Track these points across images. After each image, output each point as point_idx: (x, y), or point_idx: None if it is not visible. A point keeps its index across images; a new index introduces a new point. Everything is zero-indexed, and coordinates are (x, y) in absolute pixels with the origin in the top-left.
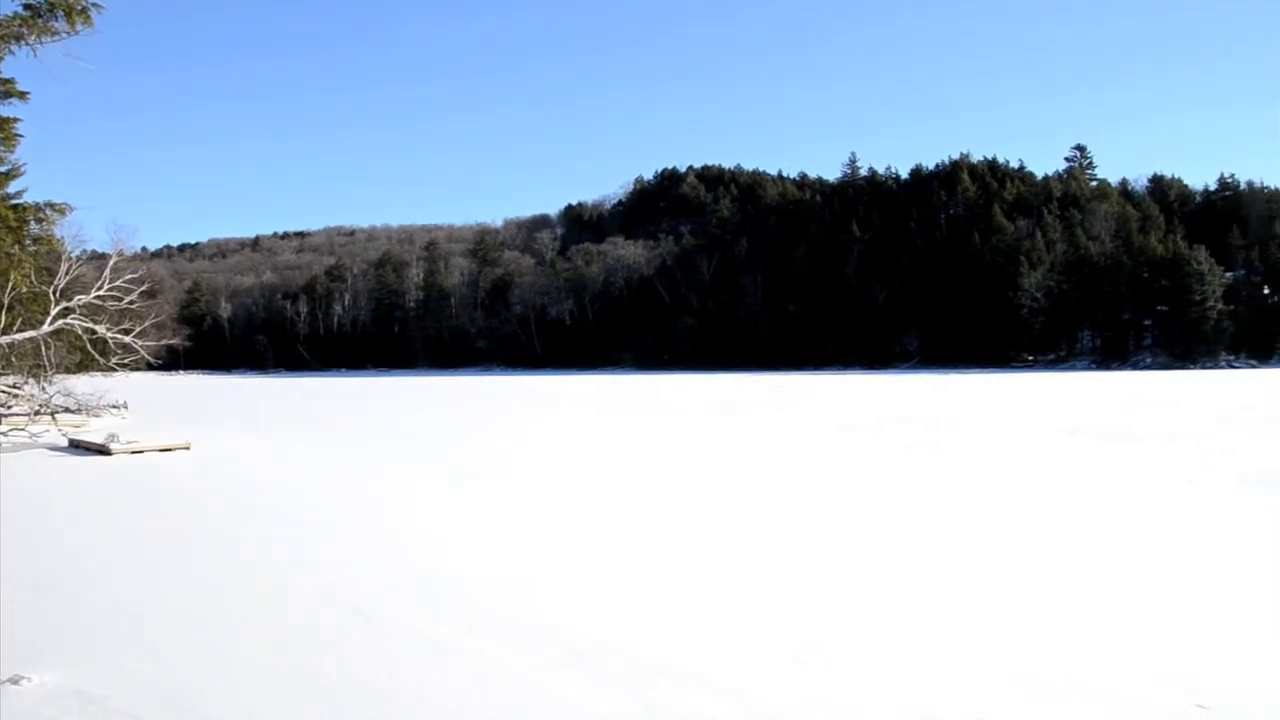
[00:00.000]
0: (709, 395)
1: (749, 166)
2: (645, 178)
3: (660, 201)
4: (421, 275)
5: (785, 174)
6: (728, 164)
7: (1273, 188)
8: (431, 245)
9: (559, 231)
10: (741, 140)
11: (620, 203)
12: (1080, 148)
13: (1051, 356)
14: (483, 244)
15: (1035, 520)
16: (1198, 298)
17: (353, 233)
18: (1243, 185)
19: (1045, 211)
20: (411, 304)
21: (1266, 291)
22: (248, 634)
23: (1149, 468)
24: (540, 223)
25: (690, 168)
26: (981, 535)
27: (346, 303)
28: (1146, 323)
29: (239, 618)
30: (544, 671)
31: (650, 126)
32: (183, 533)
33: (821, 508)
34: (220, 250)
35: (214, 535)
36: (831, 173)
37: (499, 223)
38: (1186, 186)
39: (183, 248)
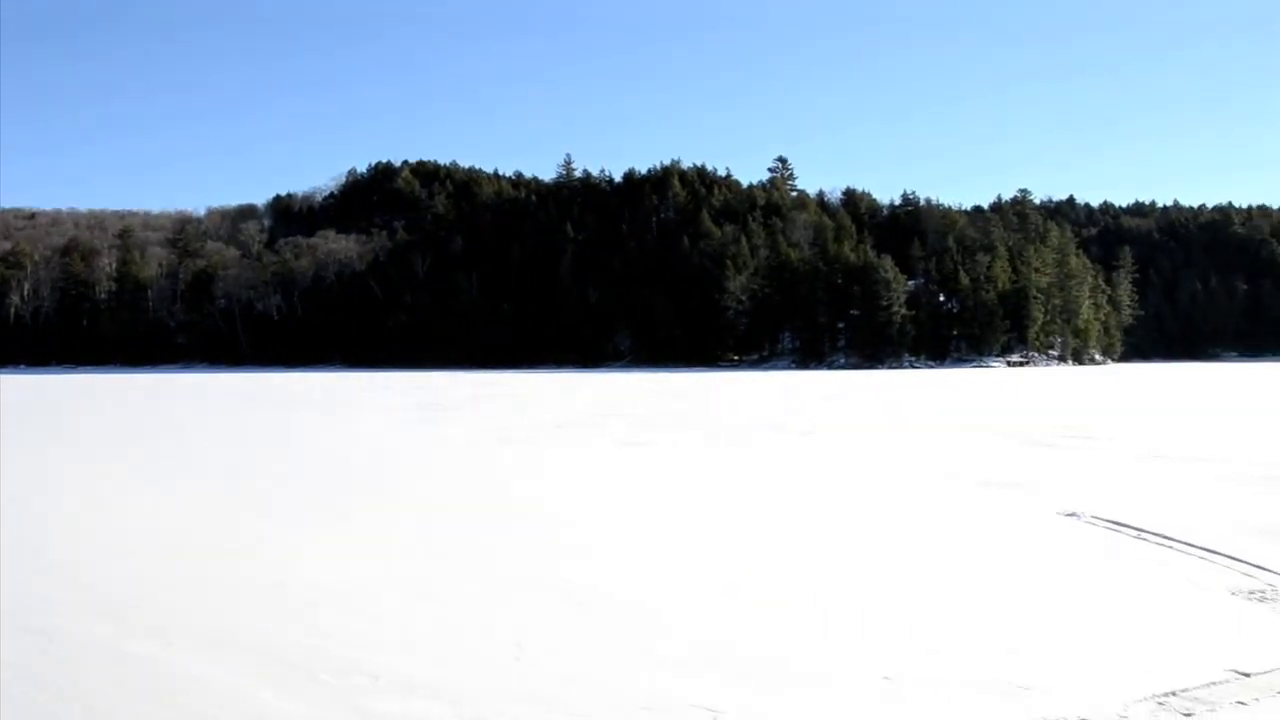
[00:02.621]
0: (420, 394)
1: (465, 164)
2: (359, 170)
3: (374, 196)
4: (114, 265)
5: (501, 173)
6: (443, 160)
7: (946, 205)
8: (125, 233)
9: (266, 223)
10: (458, 137)
11: (332, 195)
12: (782, 159)
13: (755, 356)
14: (183, 233)
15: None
16: (885, 303)
17: (33, 216)
18: (922, 202)
19: (750, 218)
20: (103, 296)
21: (942, 299)
22: None
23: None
24: (246, 213)
25: (405, 162)
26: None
27: (26, 292)
28: (840, 325)
29: None
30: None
31: (365, 118)
32: None
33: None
34: None
35: None
36: (547, 173)
37: (201, 211)
38: (875, 200)
39: None
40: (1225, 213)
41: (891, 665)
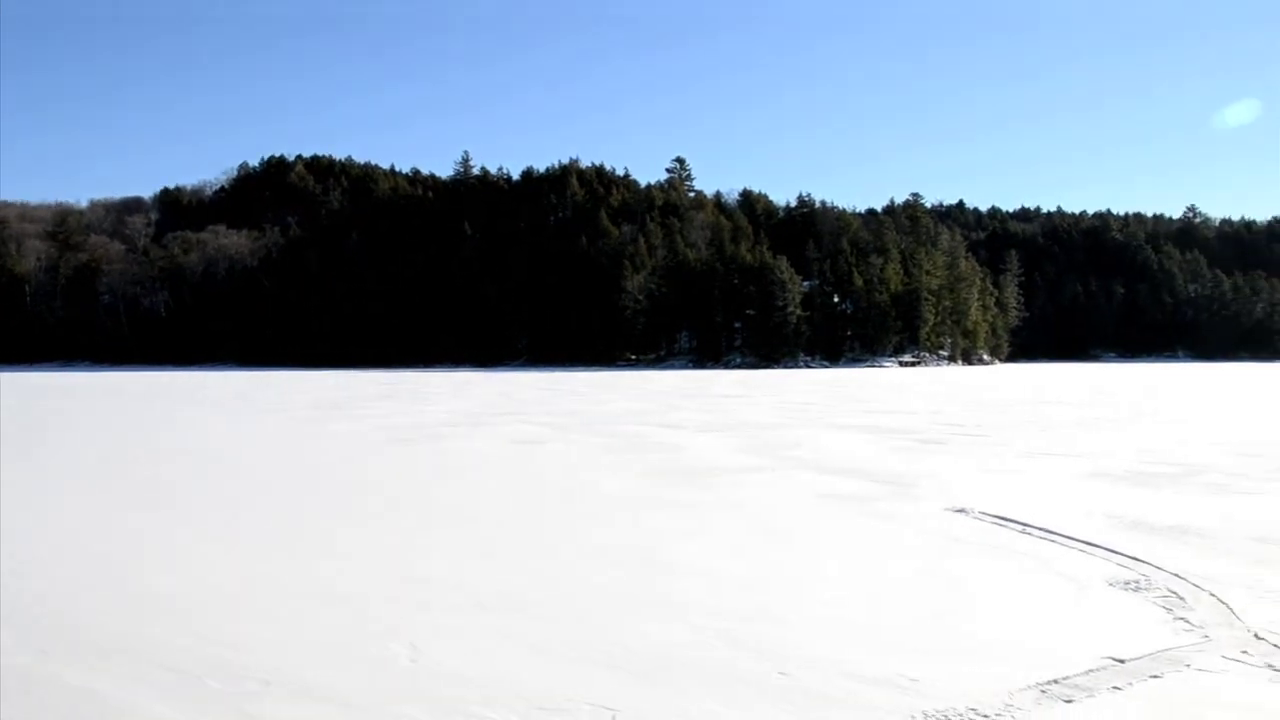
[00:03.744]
0: (314, 394)
1: (361, 159)
2: (251, 164)
3: (266, 190)
4: None
5: (399, 169)
6: (339, 155)
7: (841, 208)
8: (1, 225)
9: (154, 217)
10: (354, 132)
11: (222, 189)
12: (680, 160)
13: (653, 356)
14: (64, 226)
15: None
16: (780, 304)
17: None
18: (817, 204)
19: (648, 218)
20: None
21: (836, 300)
22: None
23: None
24: (132, 206)
25: (299, 156)
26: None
27: None
28: (737, 325)
29: None
30: None
31: (256, 109)
32: None
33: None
34: None
35: None
36: (445, 170)
37: (84, 204)
38: (771, 202)
39: None
40: (1104, 219)
41: (786, 661)
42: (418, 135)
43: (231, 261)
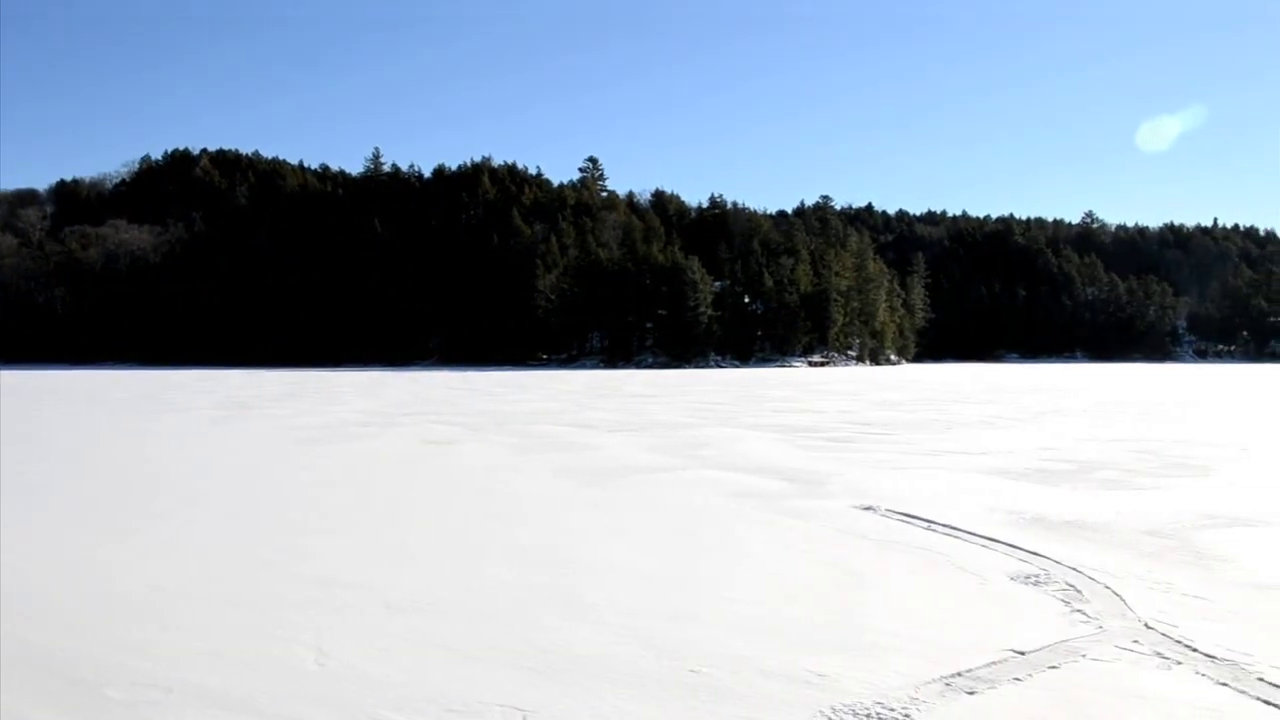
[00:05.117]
0: (219, 393)
1: (269, 154)
2: (153, 157)
3: (170, 185)
4: None
5: (307, 165)
6: (245, 149)
7: (752, 209)
8: None
9: (49, 210)
10: (260, 126)
11: (123, 183)
12: (593, 159)
13: (564, 355)
14: None
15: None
16: (692, 304)
17: None
18: (729, 205)
19: (561, 218)
20: None
21: (747, 300)
22: None
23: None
24: (26, 198)
25: (204, 150)
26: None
27: None
28: (649, 325)
29: None
30: None
31: (160, 100)
32: None
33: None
34: None
35: None
36: (355, 166)
37: None
38: (684, 202)
39: None
40: (1007, 224)
41: (697, 659)
42: (327, 132)
43: (133, 257)
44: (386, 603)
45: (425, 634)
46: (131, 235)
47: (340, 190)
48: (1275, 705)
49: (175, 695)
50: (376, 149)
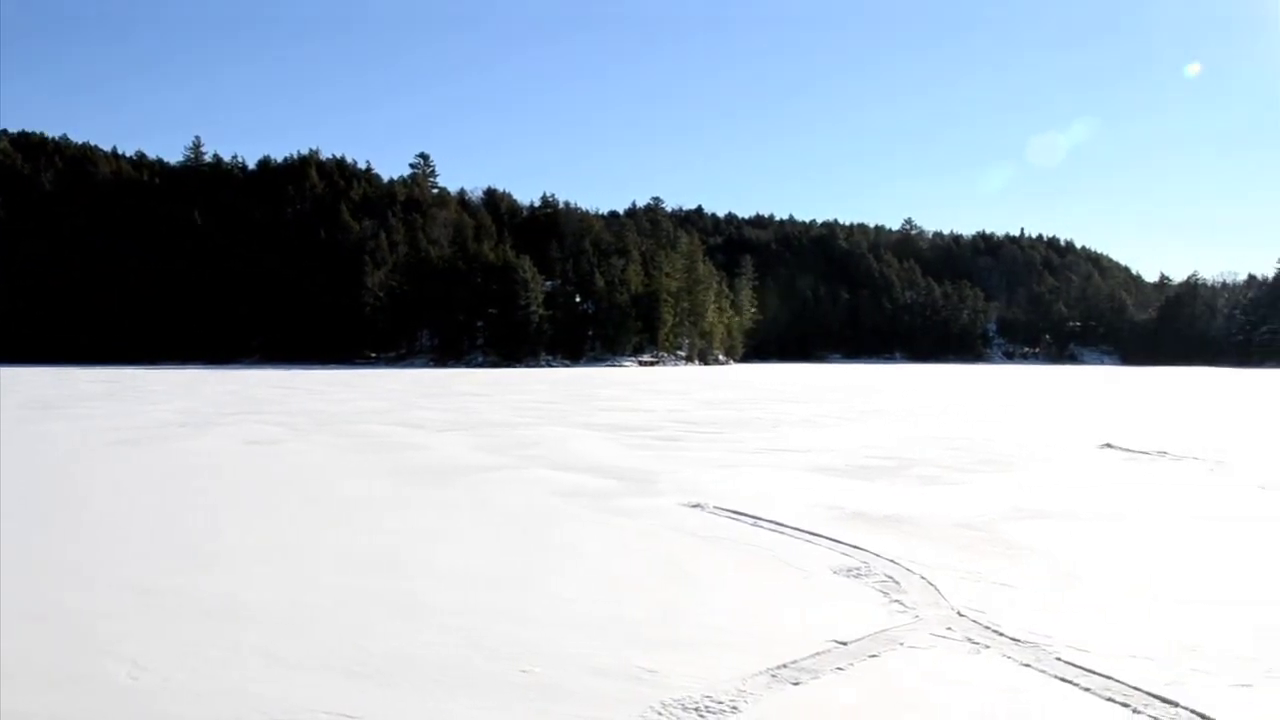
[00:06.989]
0: (22, 392)
1: (78, 138)
2: None
3: None
4: None
5: (122, 151)
6: (53, 132)
7: (584, 209)
8: None
9: None
10: (71, 109)
11: None
12: (424, 156)
13: (393, 354)
14: None
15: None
16: (523, 303)
17: None
18: (561, 205)
19: (390, 214)
20: None
21: (578, 300)
22: None
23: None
24: None
25: (4, 131)
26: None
27: None
28: (479, 324)
29: None
30: None
31: None
32: None
33: None
34: None
35: None
36: (174, 155)
37: None
38: (516, 201)
39: None
40: (831, 228)
41: (528, 658)
42: (142, 116)
43: None
44: (207, 611)
45: (249, 643)
46: None
47: (158, 179)
48: (1071, 682)
49: None
50: (197, 138)
